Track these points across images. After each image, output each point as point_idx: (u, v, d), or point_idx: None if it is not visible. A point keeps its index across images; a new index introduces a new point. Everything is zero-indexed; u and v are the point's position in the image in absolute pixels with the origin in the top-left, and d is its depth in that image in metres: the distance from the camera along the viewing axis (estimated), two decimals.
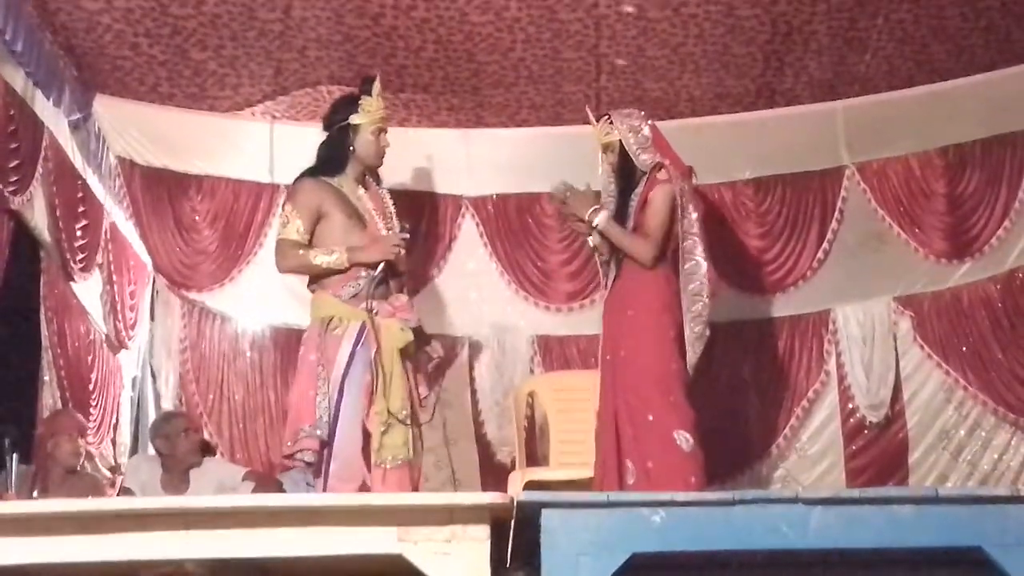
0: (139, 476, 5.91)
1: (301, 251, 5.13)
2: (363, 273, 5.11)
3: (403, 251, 5.20)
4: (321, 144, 5.34)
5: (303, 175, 5.29)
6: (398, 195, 5.68)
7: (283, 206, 5.46)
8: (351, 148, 5.26)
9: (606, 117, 5.62)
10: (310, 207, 5.15)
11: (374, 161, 5.32)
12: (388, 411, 4.99)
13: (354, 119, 5.26)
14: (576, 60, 6.47)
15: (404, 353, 5.12)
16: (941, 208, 6.95)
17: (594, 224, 5.43)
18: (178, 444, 5.91)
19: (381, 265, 5.09)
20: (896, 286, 6.99)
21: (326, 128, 5.36)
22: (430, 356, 5.37)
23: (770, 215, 7.05)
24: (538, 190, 7.06)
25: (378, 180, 5.43)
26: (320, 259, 5.10)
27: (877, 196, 7.00)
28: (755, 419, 6.95)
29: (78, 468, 5.75)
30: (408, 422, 5.04)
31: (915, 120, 6.89)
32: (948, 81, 6.75)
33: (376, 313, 5.06)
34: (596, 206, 5.46)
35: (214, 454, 6.44)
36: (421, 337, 5.31)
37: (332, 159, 5.28)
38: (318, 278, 5.19)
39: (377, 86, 5.35)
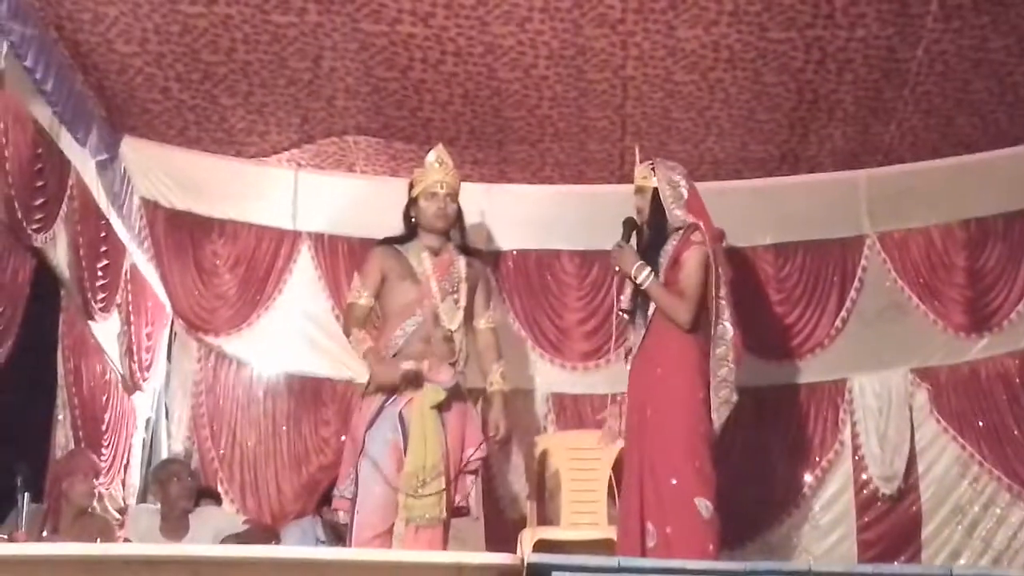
0: (138, 527, 5.94)
1: (355, 327, 5.42)
2: (399, 332, 5.35)
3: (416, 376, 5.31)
4: None
5: (376, 244, 5.66)
6: None
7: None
8: (412, 219, 5.56)
9: (649, 162, 5.67)
10: (373, 273, 5.51)
11: (432, 225, 5.54)
12: (418, 470, 5.10)
13: (411, 193, 5.61)
14: (601, 119, 6.50)
15: (442, 411, 5.25)
16: (961, 281, 6.93)
17: (638, 280, 5.45)
18: (169, 489, 5.98)
19: (412, 326, 5.33)
20: (913, 358, 6.96)
21: None
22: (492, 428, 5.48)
23: (789, 281, 7.04)
24: (558, 247, 7.11)
25: (464, 247, 5.64)
26: (353, 343, 5.43)
27: (897, 266, 6.99)
28: (768, 486, 6.89)
29: (90, 509, 5.74)
30: (441, 482, 5.13)
31: (938, 192, 6.89)
32: (973, 154, 6.76)
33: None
34: (641, 262, 5.47)
35: (219, 501, 6.44)
36: (496, 403, 5.52)
37: (404, 229, 5.60)
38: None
39: (431, 155, 5.63)
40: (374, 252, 5.60)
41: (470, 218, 6.95)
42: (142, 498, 6.73)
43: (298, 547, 5.29)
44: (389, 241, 5.60)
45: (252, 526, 6.06)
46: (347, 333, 5.52)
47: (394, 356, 5.33)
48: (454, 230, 5.62)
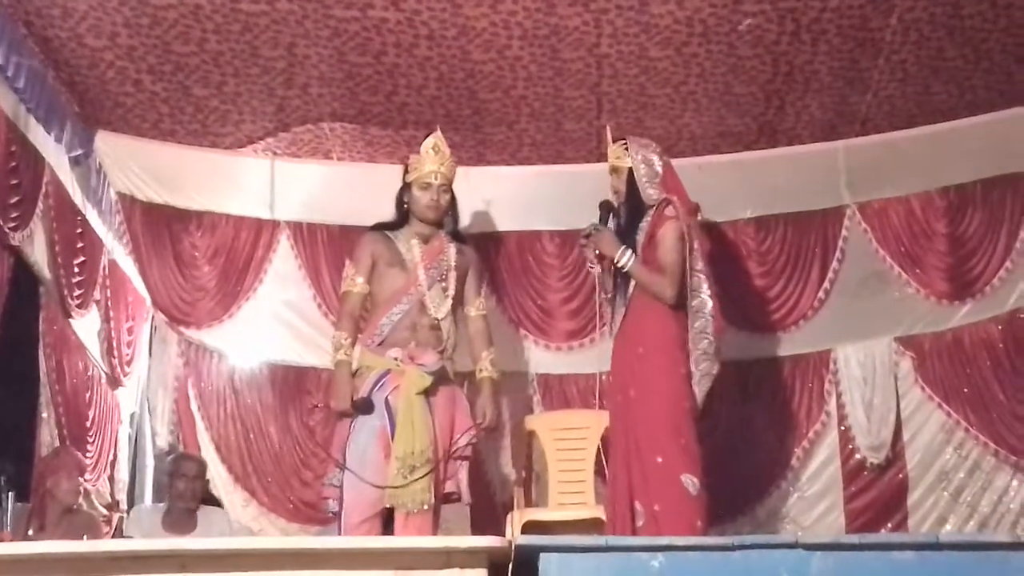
0: (140, 527, 5.93)
1: (346, 321, 5.39)
2: (385, 319, 5.36)
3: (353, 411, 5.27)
4: None
5: (368, 229, 5.63)
6: None
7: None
8: (405, 205, 5.55)
9: (622, 141, 5.65)
10: (364, 259, 5.50)
11: (424, 215, 5.54)
12: (407, 456, 5.10)
13: (406, 177, 5.57)
14: (577, 98, 6.48)
15: (428, 396, 5.25)
16: (942, 248, 6.95)
17: (620, 264, 5.42)
18: (175, 484, 6.03)
19: (398, 314, 5.34)
20: (897, 326, 6.97)
21: None
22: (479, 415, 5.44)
23: (771, 254, 7.04)
24: (539, 228, 7.10)
25: (455, 234, 5.63)
26: (333, 344, 5.39)
27: (878, 236, 6.99)
28: (756, 459, 6.90)
29: (75, 506, 5.73)
30: (429, 467, 5.12)
31: (916, 160, 6.89)
32: (949, 122, 6.76)
33: (398, 360, 5.27)
34: (624, 246, 5.45)
35: (221, 506, 6.41)
36: (484, 390, 5.51)
37: (395, 215, 5.59)
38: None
39: (428, 142, 5.58)
40: (364, 238, 5.59)
41: None
42: (130, 493, 6.72)
43: (285, 538, 5.28)
44: (380, 227, 5.59)
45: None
46: (337, 324, 5.51)
47: (380, 344, 5.34)
48: (447, 217, 5.60)
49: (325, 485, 5.32)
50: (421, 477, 5.09)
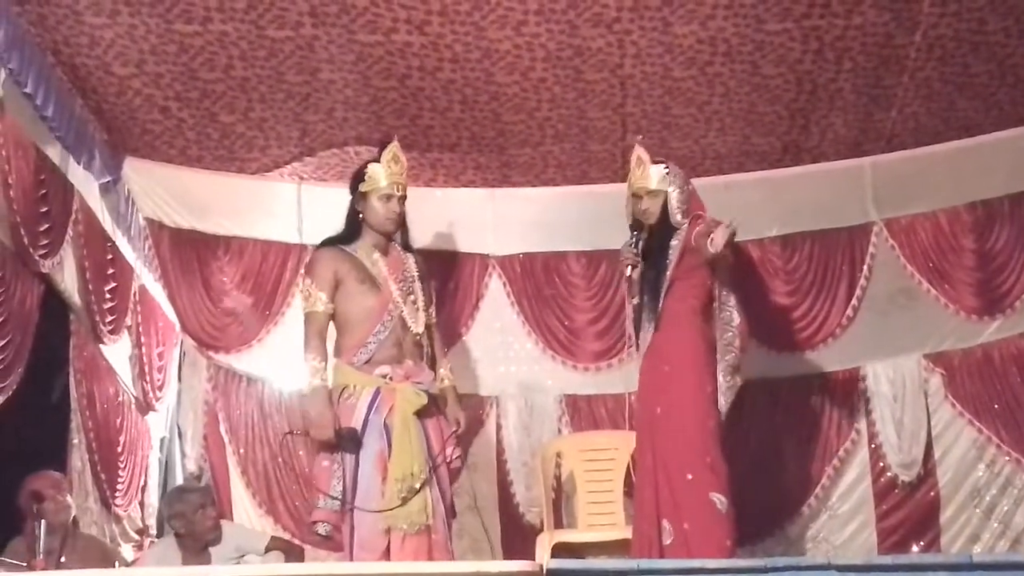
0: (157, 557, 5.86)
1: (316, 343, 5.19)
2: (371, 339, 5.20)
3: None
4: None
5: (319, 246, 5.47)
6: (425, 255, 5.76)
7: (303, 280, 5.52)
8: (361, 216, 5.39)
9: (664, 166, 5.65)
10: (326, 277, 5.28)
11: (383, 227, 5.39)
12: (405, 477, 5.01)
13: (361, 187, 5.40)
14: (602, 119, 6.48)
15: (421, 415, 5.15)
16: (970, 264, 6.92)
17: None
18: (195, 522, 5.85)
19: (384, 332, 5.19)
20: (926, 343, 6.94)
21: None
22: (452, 423, 5.36)
23: (798, 272, 7.02)
24: (564, 249, 7.11)
25: (406, 244, 5.51)
26: (308, 369, 5.16)
27: (906, 252, 6.97)
28: (786, 478, 6.87)
29: (69, 522, 5.54)
30: (426, 487, 5.03)
31: (943, 176, 6.87)
32: (975, 137, 6.74)
33: (390, 378, 5.15)
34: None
35: None
36: (450, 398, 5.40)
37: (347, 227, 5.44)
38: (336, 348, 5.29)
39: (388, 152, 5.43)
40: (322, 255, 5.38)
41: (475, 223, 7.00)
42: (160, 519, 6.73)
43: (313, 564, 5.24)
44: (333, 241, 5.43)
45: (282, 547, 6.00)
46: (306, 348, 5.22)
47: (366, 363, 5.19)
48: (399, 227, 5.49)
49: (318, 508, 5.12)
50: (420, 499, 4.97)
